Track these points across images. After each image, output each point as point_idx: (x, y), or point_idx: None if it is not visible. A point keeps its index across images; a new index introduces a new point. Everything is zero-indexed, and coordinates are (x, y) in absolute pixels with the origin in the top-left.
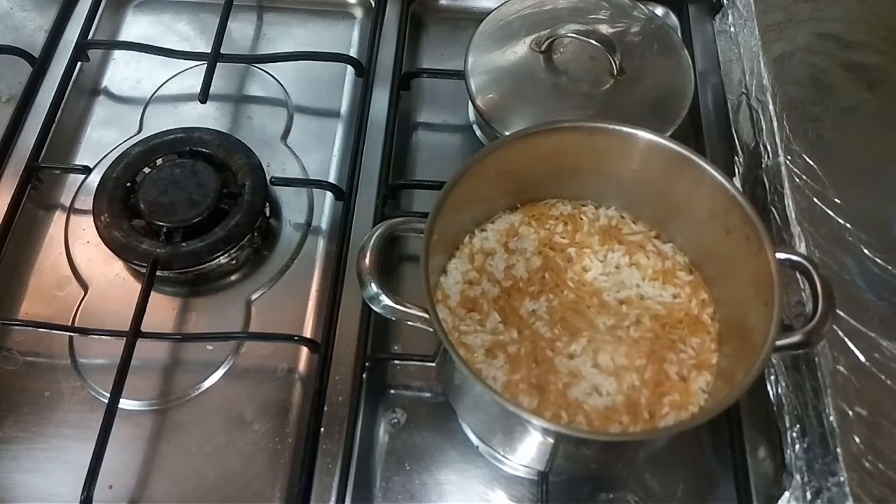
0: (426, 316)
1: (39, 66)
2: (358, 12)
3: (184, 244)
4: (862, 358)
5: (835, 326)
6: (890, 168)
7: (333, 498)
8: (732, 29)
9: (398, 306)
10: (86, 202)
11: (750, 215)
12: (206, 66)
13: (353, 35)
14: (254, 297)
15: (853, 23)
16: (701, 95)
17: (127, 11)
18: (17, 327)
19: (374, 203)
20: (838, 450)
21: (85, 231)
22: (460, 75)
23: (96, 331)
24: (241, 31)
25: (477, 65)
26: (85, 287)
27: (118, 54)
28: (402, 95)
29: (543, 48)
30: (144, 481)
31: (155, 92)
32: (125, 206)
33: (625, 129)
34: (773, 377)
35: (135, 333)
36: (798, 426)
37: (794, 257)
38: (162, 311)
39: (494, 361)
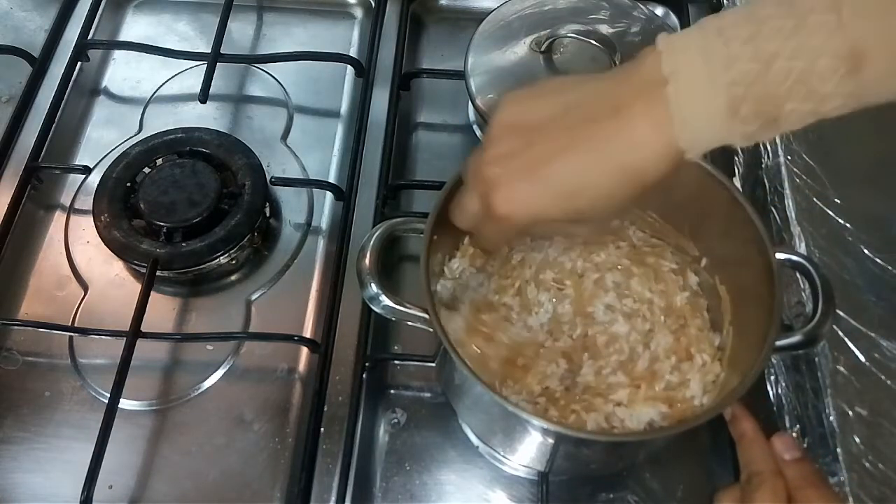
0: (426, 316)
1: (39, 66)
2: (358, 12)
3: (184, 244)
4: (862, 358)
5: (835, 326)
6: (890, 168)
7: (333, 498)
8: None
9: (398, 306)
10: (86, 202)
11: (750, 215)
12: (206, 66)
13: (353, 35)
14: (254, 297)
15: None
16: None
17: (127, 11)
18: (17, 327)
19: (374, 203)
20: (838, 450)
21: (85, 231)
22: (460, 75)
23: (96, 331)
24: (241, 31)
25: (477, 65)
26: (85, 287)
27: (118, 54)
28: (402, 95)
29: (543, 48)
30: (144, 481)
31: (155, 92)
32: (125, 206)
33: None
34: (773, 377)
35: (135, 333)
36: (798, 426)
37: (794, 257)
38: (162, 311)
39: None
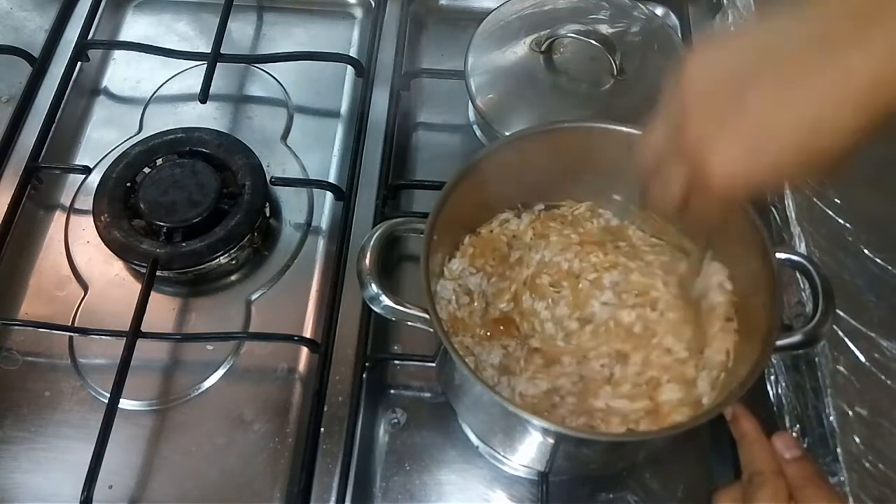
0: (426, 316)
1: (39, 66)
2: (358, 12)
3: (184, 244)
4: (862, 358)
5: (835, 326)
6: (890, 169)
7: (333, 498)
8: (732, 29)
9: (398, 306)
10: (86, 202)
11: (750, 215)
12: (206, 66)
13: (353, 35)
14: (254, 297)
15: None
16: None
17: (127, 11)
18: (17, 327)
19: (374, 203)
20: (838, 450)
21: (85, 231)
22: (460, 75)
23: (96, 331)
24: (241, 31)
25: (477, 65)
26: (85, 287)
27: (118, 54)
28: (402, 95)
29: (543, 48)
30: (144, 481)
31: (155, 92)
32: (125, 206)
33: (625, 128)
34: (773, 377)
35: (135, 333)
36: (798, 426)
37: (794, 257)
38: (162, 311)
39: None
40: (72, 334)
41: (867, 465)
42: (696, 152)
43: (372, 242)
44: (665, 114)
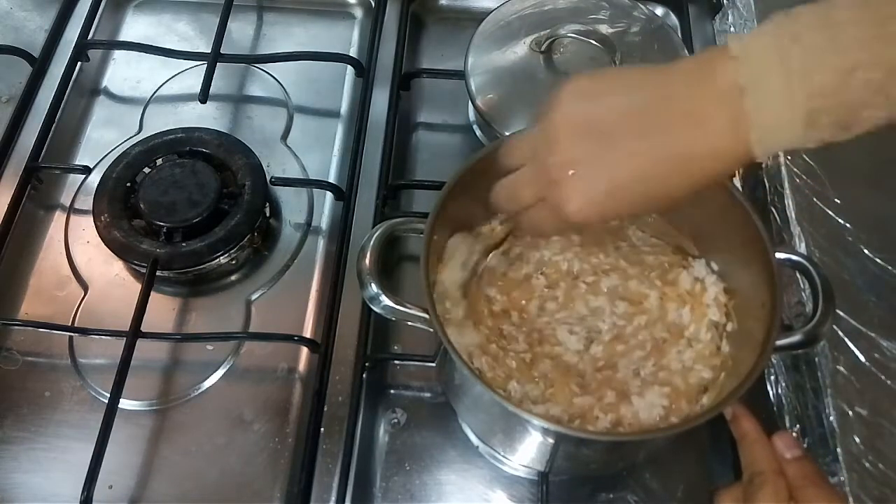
0: (426, 316)
1: (39, 66)
2: (358, 12)
3: (184, 244)
4: (862, 358)
5: (835, 326)
6: (890, 168)
7: (333, 498)
8: (732, 29)
9: (398, 306)
10: (86, 202)
11: (750, 215)
12: (206, 66)
13: (353, 35)
14: (254, 297)
15: None
16: None
17: (127, 11)
18: (17, 327)
19: (374, 203)
20: (838, 450)
21: (85, 231)
22: (460, 75)
23: (96, 331)
24: (241, 31)
25: (477, 65)
26: (85, 287)
27: (118, 54)
28: (402, 95)
29: (543, 48)
30: (144, 481)
31: (155, 92)
32: (125, 206)
33: None
34: (773, 377)
35: (135, 333)
36: (798, 426)
37: (794, 257)
38: (162, 311)
39: None
40: (72, 334)
41: (867, 465)
42: (555, 179)
43: (372, 242)
44: (538, 130)
